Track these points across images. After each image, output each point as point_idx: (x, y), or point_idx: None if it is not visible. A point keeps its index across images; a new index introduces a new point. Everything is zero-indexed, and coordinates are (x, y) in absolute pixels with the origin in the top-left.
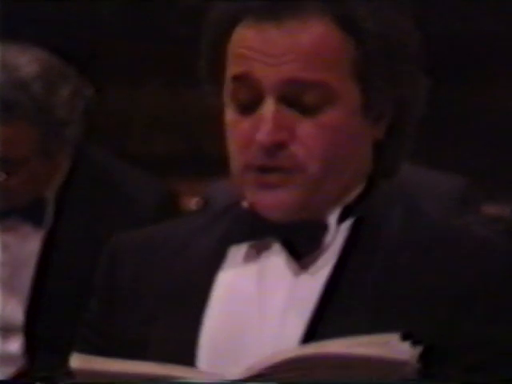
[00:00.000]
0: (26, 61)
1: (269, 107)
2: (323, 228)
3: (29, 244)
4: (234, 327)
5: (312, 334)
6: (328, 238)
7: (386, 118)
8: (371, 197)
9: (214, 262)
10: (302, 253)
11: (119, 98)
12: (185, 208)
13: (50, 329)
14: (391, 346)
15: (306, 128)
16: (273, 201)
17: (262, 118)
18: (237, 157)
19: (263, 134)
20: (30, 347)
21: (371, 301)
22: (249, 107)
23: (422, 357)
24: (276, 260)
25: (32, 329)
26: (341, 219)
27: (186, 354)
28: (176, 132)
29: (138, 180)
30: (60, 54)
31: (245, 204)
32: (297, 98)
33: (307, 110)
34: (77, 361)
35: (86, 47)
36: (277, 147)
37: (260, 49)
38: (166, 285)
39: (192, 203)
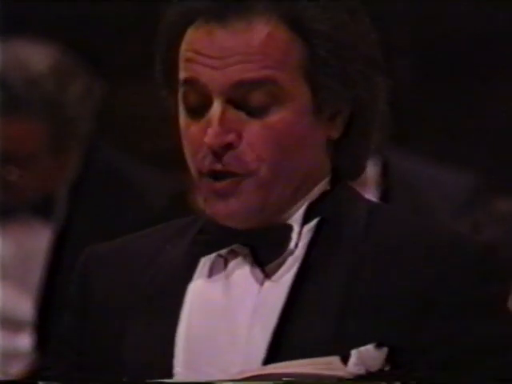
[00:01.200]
0: (37, 58)
1: (215, 110)
2: (287, 231)
3: (39, 240)
4: (206, 339)
5: (278, 342)
6: (292, 241)
7: (341, 116)
8: (333, 197)
9: (184, 272)
10: (266, 260)
11: (130, 95)
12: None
13: (60, 325)
14: (333, 366)
15: (253, 130)
16: (226, 210)
17: (209, 121)
18: (190, 163)
19: (210, 137)
20: (41, 343)
21: (335, 304)
22: (198, 112)
23: (389, 358)
24: (241, 269)
25: (42, 325)
26: (304, 221)
27: (161, 363)
28: None
29: (149, 176)
30: (71, 51)
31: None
32: (244, 100)
33: (255, 111)
34: None
35: (97, 44)
36: (224, 150)
37: (206, 52)
38: (138, 296)
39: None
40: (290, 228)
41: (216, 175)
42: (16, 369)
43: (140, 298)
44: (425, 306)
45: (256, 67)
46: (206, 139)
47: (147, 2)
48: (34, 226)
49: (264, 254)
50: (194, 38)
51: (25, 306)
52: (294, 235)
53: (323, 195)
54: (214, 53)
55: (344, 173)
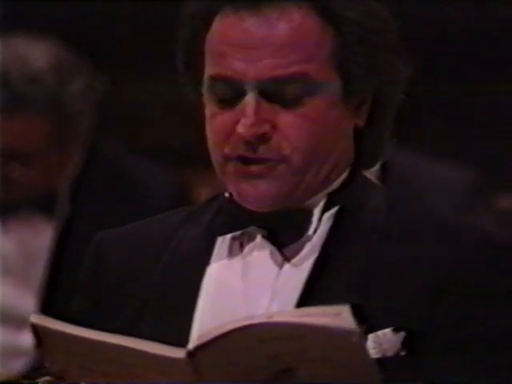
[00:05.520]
0: (38, 54)
1: (250, 101)
2: (307, 217)
3: (41, 236)
4: (223, 321)
5: None
6: (311, 227)
7: (366, 104)
8: (354, 186)
9: (201, 255)
10: (285, 243)
11: (131, 90)
12: (197, 199)
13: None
14: (341, 318)
15: (287, 120)
16: (255, 192)
17: (242, 112)
18: (217, 148)
19: (245, 127)
20: None
21: (353, 290)
22: (228, 102)
23: (406, 343)
24: (260, 252)
25: None
26: (324, 209)
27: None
28: (188, 124)
29: (151, 172)
30: (72, 48)
31: (226, 195)
32: (278, 92)
33: (288, 103)
34: (35, 319)
35: (97, 40)
36: (258, 140)
37: (239, 43)
38: (152, 281)
39: (203, 195)
40: (310, 213)
41: (247, 160)
42: (18, 366)
43: (154, 284)
44: (444, 293)
45: (288, 62)
46: (241, 130)
47: None
48: (36, 222)
49: (282, 237)
50: (224, 28)
51: (27, 303)
52: (314, 220)
53: (342, 185)
54: (247, 43)
55: (361, 162)
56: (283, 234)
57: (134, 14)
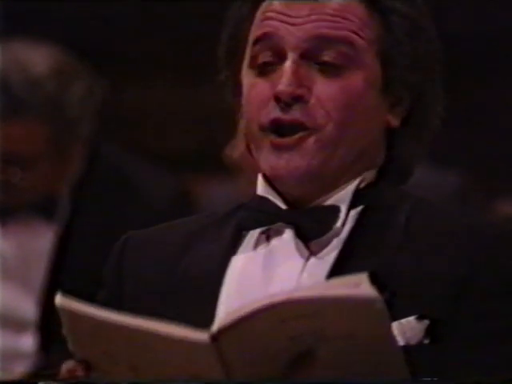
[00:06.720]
0: (38, 59)
1: (289, 62)
2: (334, 213)
3: (41, 240)
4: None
5: None
6: (339, 222)
7: (402, 106)
8: (379, 188)
9: (227, 249)
10: (311, 237)
11: (132, 95)
12: (197, 204)
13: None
14: (361, 287)
15: (324, 87)
16: (287, 166)
17: (282, 73)
18: (254, 118)
19: (283, 85)
20: (44, 344)
21: (378, 280)
22: (268, 69)
23: (429, 331)
24: (287, 245)
25: (45, 325)
26: (351, 206)
27: None
28: (188, 129)
29: (151, 176)
30: (72, 52)
31: (258, 187)
32: (318, 55)
33: (327, 69)
34: (61, 300)
35: (98, 45)
36: (294, 101)
37: (285, 11)
38: (174, 283)
39: (203, 199)
40: (337, 209)
41: (281, 129)
42: (19, 369)
43: (176, 285)
44: (470, 284)
45: (334, 26)
46: (279, 87)
47: (148, 3)
48: (36, 226)
49: (308, 232)
50: (273, 3)
51: (27, 307)
52: (342, 216)
53: (369, 186)
54: (293, 12)
55: (395, 171)
56: (310, 230)
57: (134, 19)
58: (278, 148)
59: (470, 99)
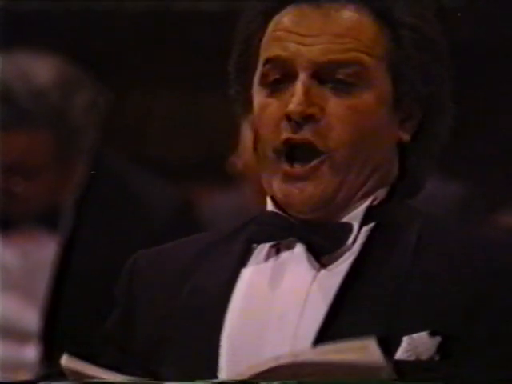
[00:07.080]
0: (41, 70)
1: (300, 82)
2: (346, 229)
3: (44, 251)
4: (252, 326)
5: (327, 331)
6: (351, 238)
7: (413, 121)
8: (390, 206)
9: (237, 262)
10: (322, 252)
11: (135, 105)
12: (198, 213)
13: (66, 336)
14: (368, 351)
15: (336, 107)
16: (301, 195)
17: (293, 92)
18: (267, 140)
19: (293, 104)
20: (47, 354)
21: (386, 299)
22: (279, 87)
23: (441, 348)
24: (297, 257)
25: (48, 336)
26: (362, 223)
27: (209, 357)
28: (191, 138)
29: (154, 186)
30: (75, 62)
31: (268, 204)
32: (329, 75)
33: (339, 89)
34: (65, 360)
35: (101, 55)
36: (305, 119)
37: (296, 30)
38: (184, 300)
39: (204, 208)
40: (350, 226)
41: (293, 152)
42: (21, 379)
43: (185, 303)
44: (479, 305)
45: (344, 49)
46: (290, 106)
47: (149, 14)
48: (39, 236)
49: (319, 247)
50: (283, 19)
51: (30, 317)
52: (354, 232)
53: (380, 203)
54: (304, 31)
55: (406, 187)
56: (322, 246)
57: (137, 29)
58: (290, 176)
59: (473, 110)
